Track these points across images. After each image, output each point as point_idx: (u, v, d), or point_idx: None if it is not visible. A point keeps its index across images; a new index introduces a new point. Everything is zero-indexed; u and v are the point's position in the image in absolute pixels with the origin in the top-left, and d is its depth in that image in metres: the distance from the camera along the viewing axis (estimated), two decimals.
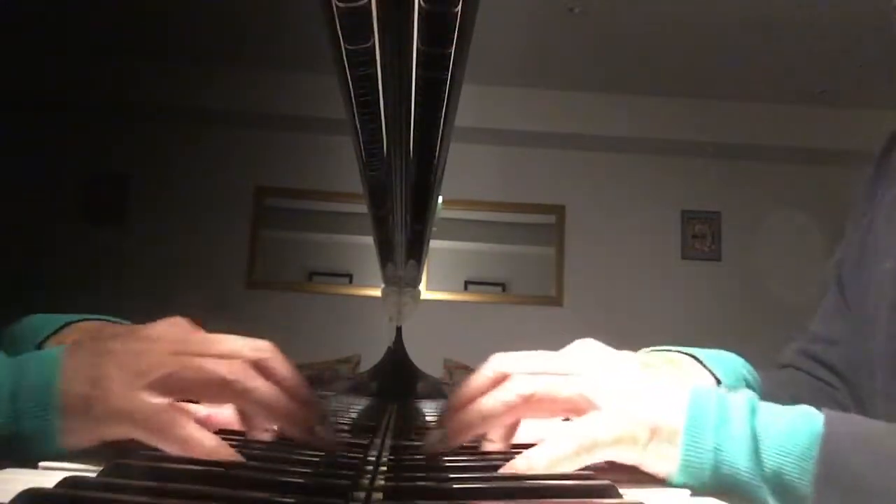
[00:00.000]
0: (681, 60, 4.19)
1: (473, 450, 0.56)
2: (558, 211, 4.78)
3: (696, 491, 0.46)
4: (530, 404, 0.49)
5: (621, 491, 0.40)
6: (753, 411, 0.47)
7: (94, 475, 0.36)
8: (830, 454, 0.44)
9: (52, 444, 0.43)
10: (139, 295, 3.77)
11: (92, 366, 0.44)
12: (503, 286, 4.86)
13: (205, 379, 0.45)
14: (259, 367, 0.47)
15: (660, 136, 4.64)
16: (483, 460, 0.51)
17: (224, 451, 0.45)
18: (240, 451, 0.46)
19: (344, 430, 0.67)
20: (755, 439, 0.45)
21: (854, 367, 0.77)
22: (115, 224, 4.55)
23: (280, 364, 0.48)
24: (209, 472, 0.38)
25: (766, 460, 0.45)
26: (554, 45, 4.12)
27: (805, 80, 4.29)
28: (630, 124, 4.61)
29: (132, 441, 0.45)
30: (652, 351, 0.71)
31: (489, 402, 0.49)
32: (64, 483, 0.33)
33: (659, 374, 0.53)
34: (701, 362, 0.68)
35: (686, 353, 0.69)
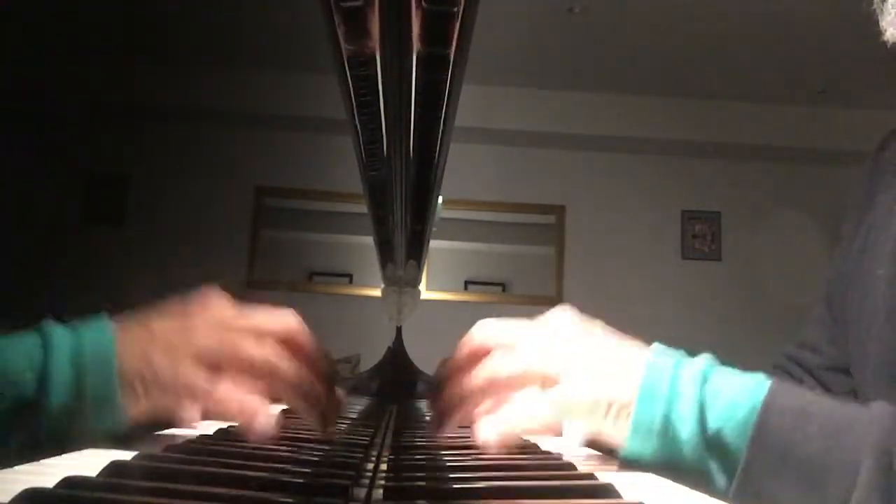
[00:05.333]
0: (681, 60, 4.19)
1: (473, 450, 0.56)
2: (558, 211, 4.78)
3: (645, 462, 0.49)
4: (502, 384, 0.52)
5: (621, 491, 0.40)
6: (705, 379, 0.49)
7: (93, 475, 0.36)
8: (766, 423, 0.46)
9: (116, 418, 0.46)
10: (139, 295, 3.77)
11: (140, 341, 0.48)
12: (503, 286, 4.86)
13: (239, 357, 0.49)
14: (288, 344, 0.51)
15: (660, 136, 4.64)
16: (483, 460, 0.52)
17: (263, 410, 0.48)
18: (240, 451, 0.46)
19: (343, 427, 0.67)
20: (701, 406, 0.48)
21: (835, 374, 0.80)
22: (115, 224, 4.55)
23: (306, 341, 0.52)
24: (209, 472, 0.38)
25: (709, 426, 0.47)
26: (554, 45, 4.12)
27: (805, 80, 4.29)
28: (630, 124, 4.61)
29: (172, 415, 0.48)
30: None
31: (466, 385, 0.53)
32: (64, 483, 0.33)
33: (623, 345, 0.55)
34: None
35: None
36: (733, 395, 0.48)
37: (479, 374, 0.52)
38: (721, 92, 4.50)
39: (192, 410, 0.48)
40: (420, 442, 0.61)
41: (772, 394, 0.47)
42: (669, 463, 0.48)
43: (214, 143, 4.64)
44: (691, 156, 4.78)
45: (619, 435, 0.50)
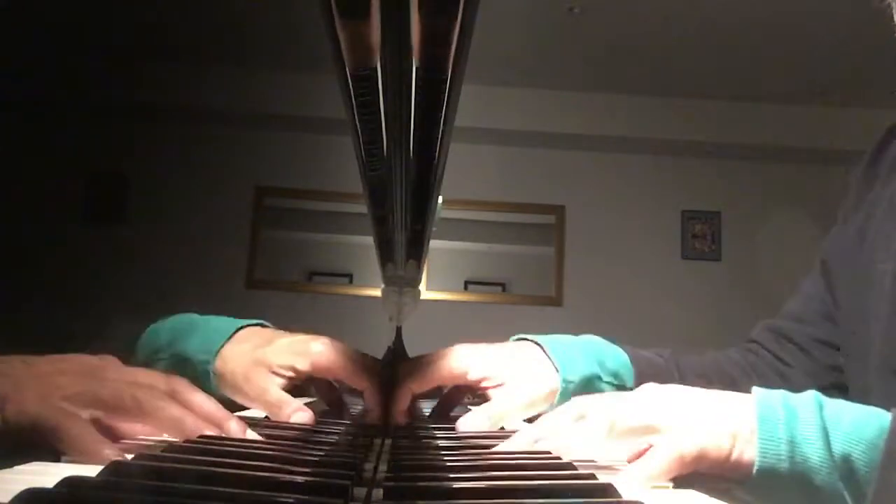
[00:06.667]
0: (681, 60, 4.19)
1: (473, 450, 0.56)
2: (558, 211, 4.78)
3: (771, 490, 0.48)
4: (612, 434, 0.52)
5: (621, 490, 0.40)
6: (821, 406, 0.50)
7: (94, 475, 0.36)
8: None
9: None
10: (139, 295, 3.77)
11: (16, 372, 0.48)
12: (503, 286, 4.86)
13: (116, 397, 0.49)
14: (173, 395, 0.52)
15: (660, 136, 4.64)
16: (483, 460, 0.52)
17: (109, 453, 0.47)
18: (240, 451, 0.46)
19: (343, 427, 0.67)
20: (825, 429, 0.48)
21: (823, 345, 0.81)
22: (116, 224, 4.55)
23: (192, 393, 0.54)
24: (209, 472, 0.38)
25: (836, 448, 0.47)
26: (554, 45, 4.12)
27: (805, 80, 4.29)
28: (630, 124, 4.61)
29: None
30: (514, 339, 0.80)
31: (571, 437, 0.53)
32: (64, 483, 0.33)
33: (720, 395, 0.55)
34: (543, 350, 0.75)
35: (533, 341, 0.77)
36: (855, 417, 0.48)
37: (589, 425, 0.53)
38: (721, 92, 4.49)
39: (59, 444, 0.47)
40: (420, 442, 0.61)
41: None
42: (794, 484, 0.48)
43: (214, 143, 4.64)
44: (691, 156, 4.78)
45: (744, 465, 0.50)
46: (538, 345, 0.78)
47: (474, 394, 0.81)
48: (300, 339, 0.76)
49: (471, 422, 0.69)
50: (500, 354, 0.78)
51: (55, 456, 0.47)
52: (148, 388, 0.51)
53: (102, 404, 0.49)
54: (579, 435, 0.53)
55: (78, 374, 0.50)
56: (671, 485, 0.50)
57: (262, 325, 0.80)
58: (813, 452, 0.47)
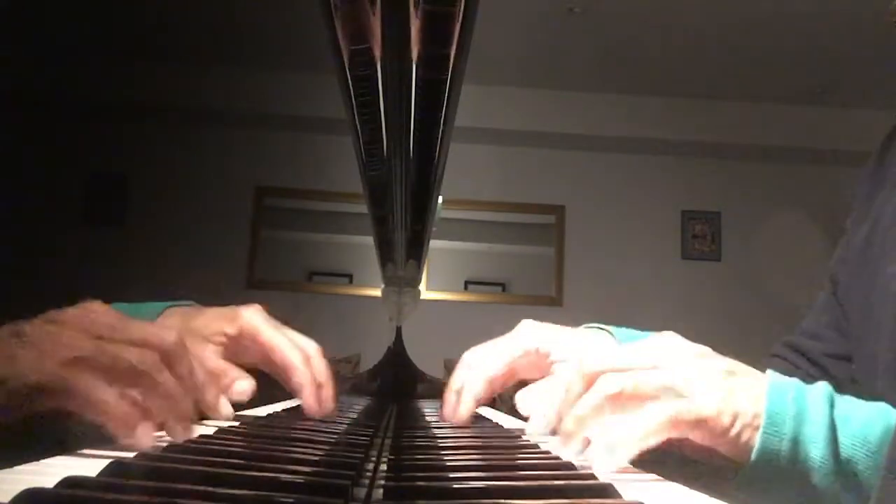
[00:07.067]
0: (681, 60, 4.20)
1: (473, 450, 0.56)
2: (558, 211, 4.78)
3: (768, 480, 0.47)
4: (619, 401, 0.51)
5: (620, 491, 0.40)
6: (832, 403, 0.48)
7: (94, 475, 0.36)
8: None
9: None
10: (139, 295, 3.77)
11: (5, 345, 0.46)
12: (503, 286, 4.86)
13: (117, 367, 0.47)
14: (166, 359, 0.50)
15: (660, 136, 4.64)
16: (483, 460, 0.52)
17: (141, 419, 0.46)
18: (240, 451, 0.46)
19: (343, 427, 0.67)
20: (832, 429, 0.47)
21: (837, 360, 0.80)
22: (116, 224, 4.55)
23: (184, 360, 0.52)
24: (209, 472, 0.38)
25: (842, 450, 0.46)
26: (554, 45, 4.12)
27: (805, 80, 4.29)
28: (630, 124, 4.61)
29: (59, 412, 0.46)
30: (585, 327, 0.76)
31: (580, 409, 0.52)
32: (64, 483, 0.33)
33: (737, 368, 0.54)
34: (613, 337, 0.72)
35: (605, 329, 0.74)
36: (864, 418, 0.47)
37: (599, 391, 0.52)
38: (721, 92, 4.50)
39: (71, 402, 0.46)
40: (420, 442, 0.61)
41: None
42: (795, 484, 0.47)
43: (214, 143, 4.64)
44: (691, 156, 4.78)
45: (743, 450, 0.48)
46: (608, 332, 0.75)
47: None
48: (230, 307, 0.75)
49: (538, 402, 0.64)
50: (575, 337, 0.74)
51: (67, 433, 0.46)
52: (144, 351, 0.49)
53: (100, 371, 0.47)
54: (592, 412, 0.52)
55: (71, 334, 0.48)
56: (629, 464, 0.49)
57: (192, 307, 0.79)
58: (816, 453, 0.47)
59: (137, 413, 0.47)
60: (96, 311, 0.51)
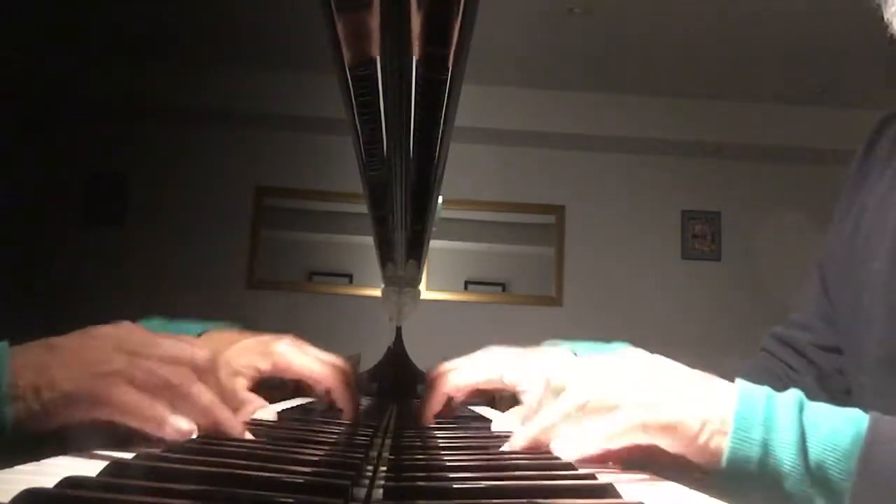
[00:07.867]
0: (681, 60, 4.19)
1: (473, 450, 0.56)
2: (558, 211, 4.78)
3: (739, 486, 0.47)
4: (586, 411, 0.52)
5: (621, 491, 0.40)
6: (801, 408, 0.48)
7: (94, 475, 0.36)
8: (873, 453, 0.44)
9: (4, 431, 0.45)
10: (139, 295, 3.77)
11: (37, 356, 0.47)
12: (503, 286, 4.86)
13: (151, 381, 0.49)
14: (198, 373, 0.52)
15: (660, 136, 4.64)
16: (483, 460, 0.52)
17: (171, 416, 0.48)
18: (240, 451, 0.46)
19: (343, 427, 0.67)
20: (802, 434, 0.46)
21: (826, 352, 0.80)
22: (116, 224, 4.55)
23: (211, 378, 0.53)
24: (209, 472, 0.38)
25: (811, 455, 0.46)
26: (554, 45, 4.11)
27: (805, 80, 4.29)
28: (630, 124, 4.61)
29: (93, 422, 0.47)
30: (546, 343, 0.82)
31: (548, 417, 0.53)
32: (64, 483, 0.33)
33: (705, 376, 0.54)
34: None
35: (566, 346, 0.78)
36: (833, 424, 0.47)
37: (568, 401, 0.52)
38: (721, 92, 4.50)
39: (107, 411, 0.47)
40: (420, 442, 0.61)
41: (874, 423, 0.46)
42: (760, 485, 0.47)
43: (214, 143, 4.64)
44: (691, 156, 4.78)
45: (712, 457, 0.48)
46: (569, 349, 0.78)
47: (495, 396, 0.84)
48: (263, 339, 0.78)
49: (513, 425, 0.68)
50: (535, 359, 0.78)
51: (103, 438, 0.47)
52: (177, 366, 0.51)
53: (134, 384, 0.48)
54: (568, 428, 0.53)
55: (104, 349, 0.49)
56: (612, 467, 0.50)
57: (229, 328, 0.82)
58: (787, 458, 0.46)
59: (168, 410, 0.48)
60: (130, 329, 0.52)
